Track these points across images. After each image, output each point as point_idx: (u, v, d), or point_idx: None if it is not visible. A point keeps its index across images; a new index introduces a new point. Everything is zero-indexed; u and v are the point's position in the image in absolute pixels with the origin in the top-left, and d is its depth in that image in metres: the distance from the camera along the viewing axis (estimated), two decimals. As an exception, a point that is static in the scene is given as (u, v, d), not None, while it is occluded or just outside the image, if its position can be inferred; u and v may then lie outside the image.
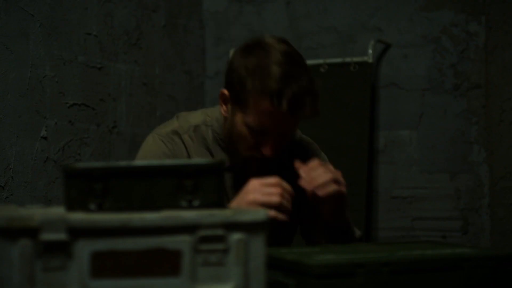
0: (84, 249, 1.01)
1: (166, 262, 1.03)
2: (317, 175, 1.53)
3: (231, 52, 3.23)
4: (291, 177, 1.73)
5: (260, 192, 1.47)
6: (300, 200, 1.79)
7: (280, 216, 1.46)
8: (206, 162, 1.11)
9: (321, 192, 1.52)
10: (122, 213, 1.04)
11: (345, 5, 3.15)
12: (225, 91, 1.65)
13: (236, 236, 1.04)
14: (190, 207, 1.08)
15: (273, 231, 1.67)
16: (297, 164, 1.57)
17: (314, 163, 1.56)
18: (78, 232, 1.01)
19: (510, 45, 2.84)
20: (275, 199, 1.46)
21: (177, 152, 1.67)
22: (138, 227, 1.02)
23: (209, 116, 1.73)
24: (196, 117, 1.74)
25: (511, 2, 2.85)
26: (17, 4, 2.34)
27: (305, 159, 1.78)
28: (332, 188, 1.52)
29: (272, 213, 1.46)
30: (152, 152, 1.68)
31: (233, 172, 1.69)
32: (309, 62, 3.03)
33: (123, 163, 1.13)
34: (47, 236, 1.00)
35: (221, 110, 1.68)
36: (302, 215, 1.77)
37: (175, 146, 1.68)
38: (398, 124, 3.06)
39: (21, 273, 1.00)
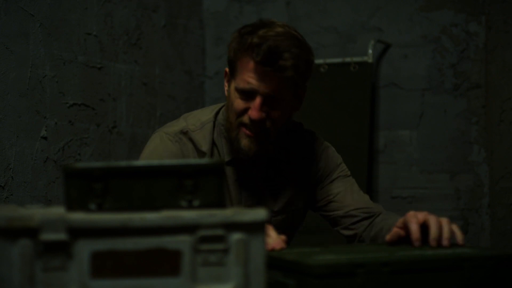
0: (84, 249, 1.01)
1: (166, 262, 1.03)
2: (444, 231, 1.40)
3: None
4: (293, 170, 1.73)
5: None
6: (306, 197, 1.80)
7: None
8: (206, 162, 1.11)
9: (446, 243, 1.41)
10: (122, 213, 1.04)
11: (345, 5, 3.15)
12: (226, 69, 1.70)
13: (236, 236, 1.04)
14: (190, 207, 1.08)
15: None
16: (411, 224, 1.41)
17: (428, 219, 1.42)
18: (78, 232, 1.01)
19: (510, 45, 2.84)
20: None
21: (185, 152, 1.68)
22: (138, 227, 1.02)
23: (217, 111, 1.75)
24: (206, 113, 1.76)
25: (511, 2, 2.85)
26: (17, 4, 2.34)
27: (306, 151, 1.78)
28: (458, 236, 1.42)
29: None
30: (158, 151, 1.68)
31: (235, 166, 1.70)
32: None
33: (123, 163, 1.13)
34: (47, 236, 1.00)
35: (225, 91, 1.71)
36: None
37: (183, 146, 1.68)
38: (398, 124, 3.06)
39: (21, 273, 1.00)
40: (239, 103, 1.63)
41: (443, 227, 1.37)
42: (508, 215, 2.83)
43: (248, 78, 1.60)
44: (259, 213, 1.06)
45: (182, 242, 1.03)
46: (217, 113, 1.75)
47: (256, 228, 1.05)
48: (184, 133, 1.70)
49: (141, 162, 1.16)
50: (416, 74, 3.03)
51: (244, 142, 1.64)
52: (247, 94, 1.61)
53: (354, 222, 1.73)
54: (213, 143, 1.71)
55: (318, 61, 3.04)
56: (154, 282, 1.02)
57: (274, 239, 1.32)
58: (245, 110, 1.63)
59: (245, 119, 1.63)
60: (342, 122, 2.94)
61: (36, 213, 1.03)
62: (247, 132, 1.64)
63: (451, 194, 2.96)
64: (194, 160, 1.64)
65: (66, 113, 2.53)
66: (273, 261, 1.21)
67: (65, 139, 2.52)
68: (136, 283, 1.02)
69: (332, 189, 1.77)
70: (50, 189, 2.45)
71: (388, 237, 1.41)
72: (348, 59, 3.01)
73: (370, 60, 2.97)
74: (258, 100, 1.61)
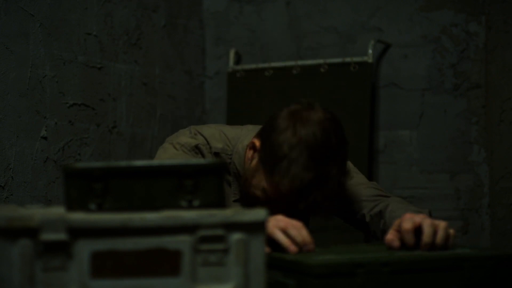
0: (84, 249, 1.01)
1: (166, 262, 1.03)
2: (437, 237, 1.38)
3: (231, 52, 3.23)
4: None
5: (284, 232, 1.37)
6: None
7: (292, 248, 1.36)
8: (206, 162, 1.11)
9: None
10: (122, 213, 1.04)
11: (345, 5, 3.15)
12: (257, 144, 1.65)
13: (236, 236, 1.04)
14: (190, 207, 1.08)
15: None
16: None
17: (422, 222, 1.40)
18: (78, 232, 1.01)
19: (510, 45, 2.84)
20: (293, 249, 1.33)
21: None
22: (138, 227, 1.02)
23: (229, 145, 1.72)
24: (216, 138, 1.72)
25: (511, 2, 2.85)
26: (17, 4, 2.34)
27: None
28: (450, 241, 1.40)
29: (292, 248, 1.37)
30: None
31: (244, 203, 1.69)
32: (309, 62, 3.06)
33: (123, 163, 1.13)
34: (47, 236, 1.00)
35: (247, 155, 1.67)
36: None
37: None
38: (398, 124, 3.05)
39: (21, 273, 1.00)
40: (261, 194, 1.60)
41: (438, 232, 1.35)
42: (508, 215, 2.83)
43: (281, 197, 1.56)
44: (259, 213, 1.06)
45: (182, 242, 1.03)
46: (226, 145, 1.71)
47: (256, 228, 1.05)
48: (199, 150, 1.69)
49: (141, 162, 1.16)
50: (416, 74, 3.03)
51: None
52: (271, 198, 1.59)
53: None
54: (226, 180, 1.70)
55: (318, 61, 3.04)
56: (154, 282, 1.02)
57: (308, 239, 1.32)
58: (268, 200, 1.60)
59: (265, 203, 1.59)
60: (342, 122, 2.93)
61: (36, 213, 1.03)
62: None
63: (451, 194, 2.96)
64: (194, 160, 1.64)
65: (66, 113, 2.53)
66: (273, 261, 1.21)
67: (65, 139, 2.52)
68: (136, 283, 1.02)
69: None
70: (50, 189, 2.45)
71: (387, 240, 1.40)
72: (348, 59, 3.01)
73: (370, 60, 2.97)
74: (284, 206, 1.57)
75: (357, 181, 1.77)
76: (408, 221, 1.38)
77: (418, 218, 1.39)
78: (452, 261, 1.24)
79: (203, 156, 1.68)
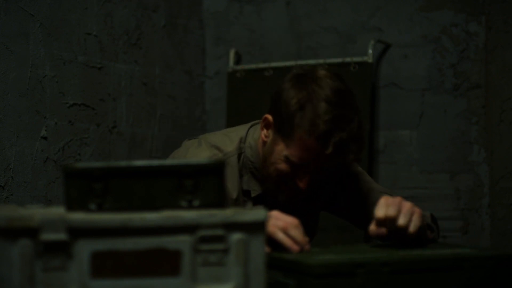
0: (84, 249, 1.02)
1: (166, 262, 1.03)
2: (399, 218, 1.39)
3: (231, 52, 3.23)
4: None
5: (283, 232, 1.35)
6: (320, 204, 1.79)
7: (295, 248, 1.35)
8: (206, 162, 1.11)
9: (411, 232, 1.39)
10: (122, 213, 1.04)
11: (345, 5, 3.15)
12: (270, 117, 1.63)
13: (236, 236, 1.04)
14: (190, 207, 1.08)
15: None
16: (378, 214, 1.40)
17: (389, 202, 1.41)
18: (78, 232, 1.01)
19: (510, 45, 2.84)
20: (295, 248, 1.32)
21: None
22: (138, 227, 1.02)
23: (243, 143, 1.69)
24: (226, 143, 1.69)
25: (511, 2, 2.85)
26: (17, 4, 2.34)
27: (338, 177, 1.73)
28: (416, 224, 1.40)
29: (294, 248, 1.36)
30: None
31: (262, 202, 1.64)
32: (309, 62, 3.06)
33: (123, 163, 1.13)
34: (47, 236, 1.00)
35: (262, 134, 1.65)
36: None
37: None
38: (398, 124, 3.06)
39: (21, 273, 1.00)
40: (284, 167, 1.58)
41: (412, 218, 1.38)
42: (508, 215, 2.83)
43: (306, 157, 1.54)
44: (259, 213, 1.06)
45: (182, 242, 1.03)
46: (240, 142, 1.69)
47: (256, 228, 1.05)
48: None
49: (141, 162, 1.16)
50: (416, 74, 3.03)
51: (282, 197, 1.61)
52: (298, 166, 1.57)
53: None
54: (240, 178, 1.66)
55: (318, 61, 3.04)
56: (154, 282, 1.02)
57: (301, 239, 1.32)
58: (292, 176, 1.58)
59: (288, 181, 1.59)
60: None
61: (36, 213, 1.03)
62: (288, 193, 1.60)
63: (451, 194, 2.96)
64: (194, 160, 1.64)
65: (66, 113, 2.53)
66: (273, 261, 1.21)
67: (65, 139, 2.52)
68: (136, 283, 1.02)
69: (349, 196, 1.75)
70: (50, 189, 2.45)
71: (371, 227, 1.40)
72: (348, 59, 3.01)
73: (370, 60, 2.97)
74: (310, 174, 1.56)
75: (370, 185, 1.75)
76: (382, 207, 1.39)
77: (391, 199, 1.40)
78: (452, 261, 1.24)
79: None
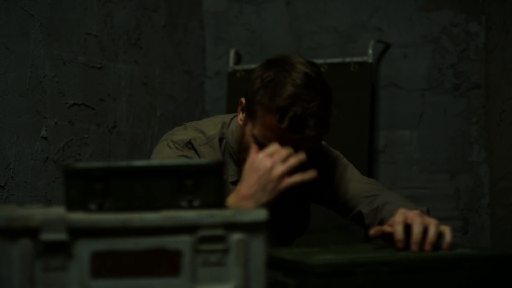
0: (84, 249, 1.02)
1: (166, 262, 1.03)
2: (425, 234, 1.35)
3: (231, 52, 3.23)
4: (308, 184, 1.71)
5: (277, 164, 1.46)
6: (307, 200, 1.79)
7: (307, 176, 1.44)
8: (206, 162, 1.11)
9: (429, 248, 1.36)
10: (122, 213, 1.04)
11: (345, 5, 3.15)
12: (243, 100, 1.66)
13: (236, 236, 1.04)
14: (190, 207, 1.08)
15: (274, 231, 1.66)
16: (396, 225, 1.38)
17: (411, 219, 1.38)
18: (78, 232, 1.02)
19: (510, 45, 2.84)
20: (293, 161, 1.43)
21: None
22: (138, 227, 1.02)
23: (226, 128, 1.72)
24: (210, 128, 1.73)
25: (511, 2, 2.85)
26: (17, 4, 2.34)
27: (322, 166, 1.73)
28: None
29: (298, 177, 1.45)
30: (172, 158, 1.66)
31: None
32: (309, 62, 3.06)
33: (123, 163, 1.13)
34: (47, 236, 1.00)
35: (238, 118, 1.68)
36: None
37: (193, 156, 1.67)
38: (398, 124, 3.06)
39: (21, 273, 1.00)
40: (255, 147, 1.59)
41: (429, 230, 1.33)
42: (508, 215, 2.83)
43: (268, 134, 1.57)
44: (259, 213, 1.06)
45: (182, 242, 1.03)
46: (222, 127, 1.72)
47: (256, 228, 1.05)
48: (191, 145, 1.69)
49: (141, 162, 1.16)
50: (416, 74, 3.03)
51: None
52: (264, 145, 1.58)
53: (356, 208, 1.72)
54: None
55: (318, 61, 3.04)
56: (154, 282, 1.02)
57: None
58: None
59: None
60: (342, 122, 2.93)
61: (36, 213, 1.03)
62: None
63: (451, 194, 2.96)
64: (194, 160, 1.64)
65: (66, 113, 2.53)
66: (273, 261, 1.22)
67: (65, 139, 2.52)
68: (136, 283, 1.02)
69: (341, 187, 1.75)
70: (50, 189, 2.45)
71: (372, 231, 1.39)
72: (348, 59, 3.01)
73: (370, 60, 2.97)
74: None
75: (354, 176, 1.76)
76: (401, 217, 1.37)
77: (412, 214, 1.38)
78: (452, 261, 1.24)
79: (195, 151, 1.68)
